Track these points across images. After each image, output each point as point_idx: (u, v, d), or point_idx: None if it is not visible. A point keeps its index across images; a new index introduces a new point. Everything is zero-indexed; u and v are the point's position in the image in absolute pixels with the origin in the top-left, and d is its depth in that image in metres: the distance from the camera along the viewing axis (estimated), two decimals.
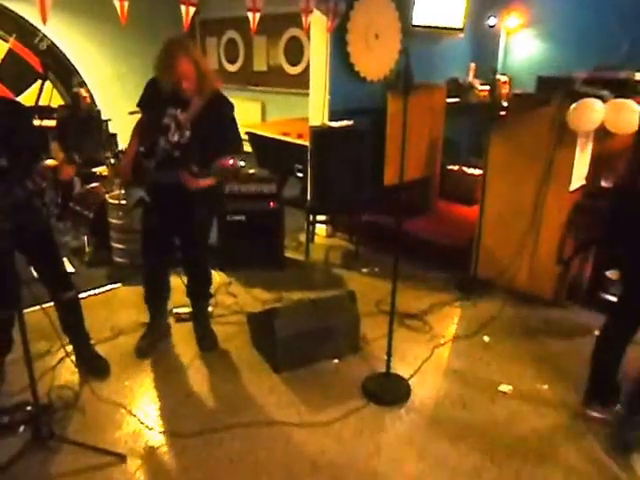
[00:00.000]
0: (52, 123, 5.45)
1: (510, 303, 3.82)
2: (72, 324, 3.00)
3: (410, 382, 2.96)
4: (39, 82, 6.68)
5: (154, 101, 2.89)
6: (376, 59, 4.97)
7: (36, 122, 4.27)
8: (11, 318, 2.75)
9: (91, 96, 5.27)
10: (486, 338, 3.42)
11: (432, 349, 3.30)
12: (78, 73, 7.09)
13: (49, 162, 2.65)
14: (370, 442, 2.54)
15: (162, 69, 2.76)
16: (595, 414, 2.68)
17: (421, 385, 2.96)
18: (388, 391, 2.88)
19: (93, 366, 3.02)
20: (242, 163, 2.57)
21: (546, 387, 2.94)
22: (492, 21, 5.74)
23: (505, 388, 2.93)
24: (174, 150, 2.84)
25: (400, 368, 3.04)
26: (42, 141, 2.93)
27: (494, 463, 2.42)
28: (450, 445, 2.52)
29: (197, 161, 2.69)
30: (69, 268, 4.28)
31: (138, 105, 3.04)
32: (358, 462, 2.42)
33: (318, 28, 4.66)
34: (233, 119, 2.94)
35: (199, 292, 3.33)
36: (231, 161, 2.54)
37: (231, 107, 2.93)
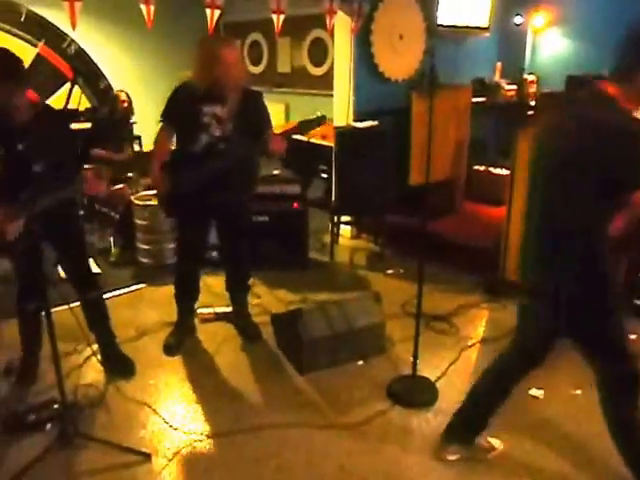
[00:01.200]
0: (85, 125, 5.54)
1: None
2: (97, 322, 3.02)
3: (437, 385, 2.91)
4: (67, 86, 6.79)
5: (186, 106, 2.94)
6: (400, 59, 4.93)
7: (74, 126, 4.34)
8: (40, 314, 2.79)
9: (130, 101, 5.31)
10: None
11: (459, 352, 3.24)
12: (105, 77, 7.19)
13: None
14: (397, 445, 2.50)
15: (205, 65, 2.83)
16: (453, 457, 2.40)
17: (448, 388, 2.90)
18: (415, 394, 2.83)
19: (118, 365, 3.03)
20: None
21: (579, 392, 2.86)
22: (518, 20, 5.65)
23: (536, 392, 2.85)
24: (218, 143, 2.91)
25: (426, 370, 2.98)
26: (80, 150, 3.03)
27: (526, 470, 2.35)
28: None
29: (240, 150, 2.86)
30: (95, 269, 4.33)
31: (165, 116, 3.02)
32: (384, 466, 2.38)
33: (342, 29, 4.64)
34: (266, 107, 3.10)
35: (239, 285, 3.40)
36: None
37: (262, 95, 3.10)
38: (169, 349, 3.22)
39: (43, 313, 2.74)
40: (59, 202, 2.42)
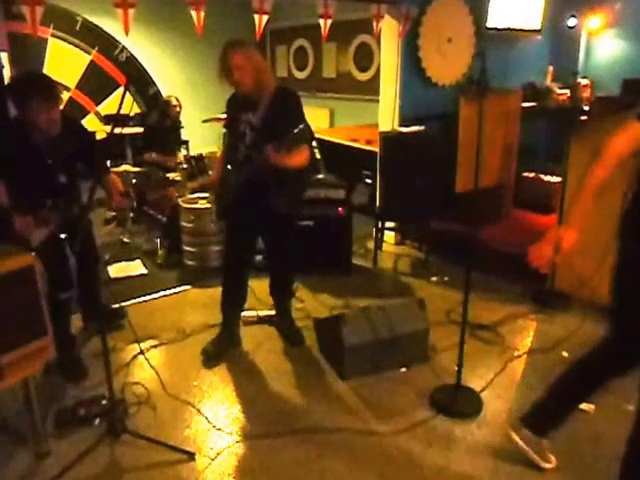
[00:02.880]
0: (134, 130, 5.71)
1: (591, 318, 3.58)
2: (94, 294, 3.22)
3: (481, 395, 2.84)
4: (118, 92, 7.01)
5: (231, 115, 3.01)
6: (448, 64, 4.87)
7: (117, 130, 4.48)
8: (70, 307, 3.00)
9: (180, 106, 5.45)
10: (565, 353, 3.24)
11: (505, 362, 3.15)
12: (154, 83, 7.39)
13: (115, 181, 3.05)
14: (439, 455, 2.45)
15: (221, 72, 2.85)
16: (519, 441, 2.35)
17: (493, 399, 2.83)
18: (458, 403, 2.77)
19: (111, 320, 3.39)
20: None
21: (631, 408, 2.73)
22: (572, 22, 5.49)
23: (586, 407, 2.75)
24: (252, 152, 2.87)
25: (471, 380, 2.92)
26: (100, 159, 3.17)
27: None
28: (526, 465, 2.37)
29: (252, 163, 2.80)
30: (142, 270, 4.44)
31: (225, 125, 3.18)
32: (426, 475, 2.33)
33: (389, 33, 4.62)
34: (299, 109, 2.92)
35: (283, 290, 3.41)
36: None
37: (295, 97, 2.95)
38: (207, 357, 3.16)
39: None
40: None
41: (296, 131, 2.52)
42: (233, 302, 3.28)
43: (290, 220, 3.29)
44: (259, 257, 4.03)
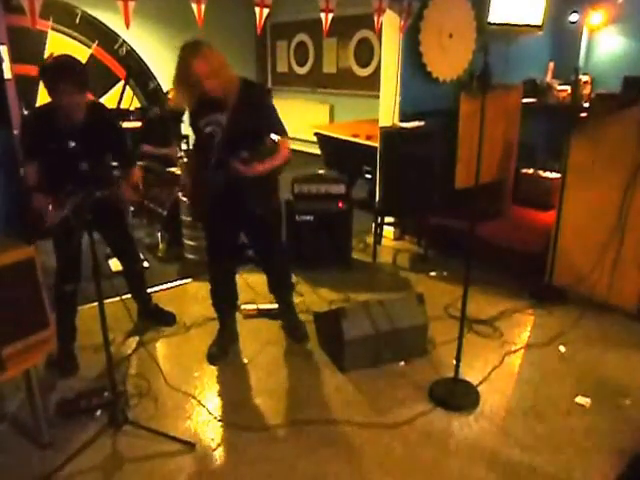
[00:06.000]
0: (135, 124, 5.70)
1: (588, 313, 3.63)
2: (138, 288, 3.48)
3: (479, 389, 2.87)
4: (118, 86, 7.01)
5: (193, 119, 2.86)
6: (449, 59, 4.87)
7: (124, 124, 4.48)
8: (76, 301, 3.04)
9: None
10: (562, 348, 3.27)
11: (502, 356, 3.18)
12: (154, 77, 7.39)
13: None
14: (438, 447, 2.48)
15: (181, 78, 2.70)
16: None
17: (490, 393, 2.85)
18: (456, 397, 2.80)
19: (160, 318, 3.53)
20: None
21: (628, 402, 2.77)
22: (574, 17, 5.48)
23: (582, 400, 2.78)
24: (222, 154, 2.74)
25: (468, 374, 2.95)
26: (127, 151, 3.15)
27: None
28: (522, 456, 2.41)
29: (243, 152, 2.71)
30: (143, 263, 4.45)
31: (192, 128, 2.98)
32: (425, 466, 2.36)
33: (390, 28, 4.62)
34: (268, 104, 2.87)
35: (281, 285, 3.38)
36: (275, 137, 2.62)
37: (263, 91, 2.89)
38: (212, 358, 3.16)
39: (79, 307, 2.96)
40: (100, 199, 2.56)
41: (274, 141, 2.54)
42: (224, 299, 3.27)
43: (271, 219, 3.14)
44: (250, 252, 4.04)
